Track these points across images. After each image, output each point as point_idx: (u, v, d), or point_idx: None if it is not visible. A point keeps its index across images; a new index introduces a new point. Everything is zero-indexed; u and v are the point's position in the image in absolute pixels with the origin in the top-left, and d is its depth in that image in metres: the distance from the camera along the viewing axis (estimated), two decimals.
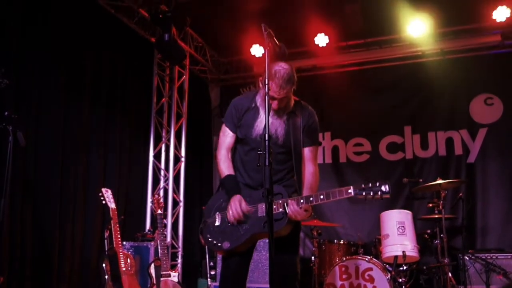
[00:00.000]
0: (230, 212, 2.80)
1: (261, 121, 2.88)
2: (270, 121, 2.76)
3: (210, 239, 2.90)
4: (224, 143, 3.04)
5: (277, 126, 2.89)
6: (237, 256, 2.88)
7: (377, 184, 2.59)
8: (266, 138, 2.38)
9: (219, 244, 2.84)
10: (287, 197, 2.75)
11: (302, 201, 2.70)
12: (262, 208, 2.76)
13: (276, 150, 2.83)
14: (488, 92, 6.70)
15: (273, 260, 2.30)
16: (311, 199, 2.69)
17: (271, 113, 2.83)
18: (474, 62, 6.74)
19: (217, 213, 2.94)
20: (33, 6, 4.76)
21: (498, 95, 6.65)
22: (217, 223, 2.91)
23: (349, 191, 2.62)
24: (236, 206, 2.79)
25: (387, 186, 2.57)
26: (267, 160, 2.35)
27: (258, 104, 2.96)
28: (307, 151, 3.00)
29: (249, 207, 2.82)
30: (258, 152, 2.41)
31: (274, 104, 2.84)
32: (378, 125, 7.13)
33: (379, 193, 2.57)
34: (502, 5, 6.12)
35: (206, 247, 5.19)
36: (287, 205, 2.69)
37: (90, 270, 5.22)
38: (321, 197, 2.67)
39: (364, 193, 2.59)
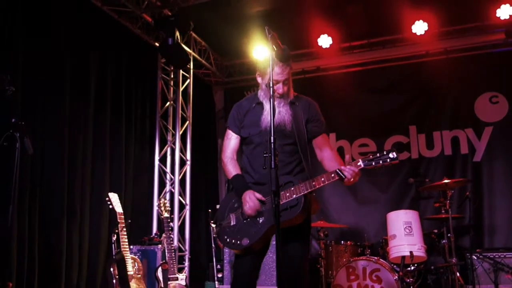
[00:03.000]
0: (247, 205, 2.82)
1: (268, 111, 2.91)
2: (277, 110, 2.84)
3: (228, 240, 2.91)
4: (228, 145, 3.08)
5: (284, 113, 2.93)
6: (251, 255, 2.89)
7: (384, 152, 2.69)
8: (272, 141, 2.39)
9: (238, 242, 2.85)
10: (298, 184, 2.76)
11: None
12: None
13: (283, 141, 2.87)
14: (493, 91, 6.68)
15: (280, 258, 2.31)
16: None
17: (276, 102, 2.87)
18: (479, 60, 6.73)
19: (231, 213, 2.96)
20: (37, 14, 4.78)
21: (503, 93, 6.63)
22: (232, 223, 2.93)
23: (359, 163, 2.70)
24: (251, 197, 2.82)
25: (394, 153, 2.66)
26: (273, 162, 2.36)
27: (261, 99, 3.01)
28: (320, 139, 3.03)
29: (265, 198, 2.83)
30: (264, 155, 2.43)
31: (279, 88, 2.89)
32: (383, 125, 7.12)
33: (388, 160, 2.67)
34: (505, 3, 6.10)
35: (214, 249, 5.21)
36: (341, 171, 2.68)
37: (97, 274, 5.24)
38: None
39: (373, 163, 2.69)
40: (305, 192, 2.73)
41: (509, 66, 6.58)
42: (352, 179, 2.70)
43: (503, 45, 6.60)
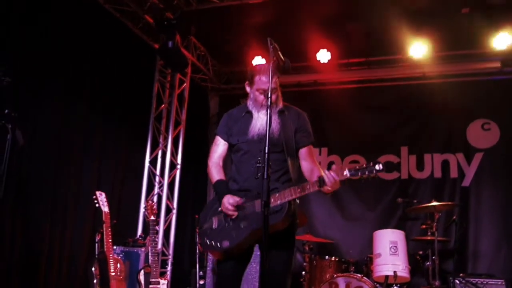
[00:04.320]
0: (224, 208, 2.84)
1: (257, 119, 2.96)
2: (265, 119, 2.82)
3: (208, 242, 2.90)
4: (216, 151, 3.11)
5: (272, 122, 2.91)
6: (233, 260, 2.88)
7: (371, 164, 2.71)
8: (266, 151, 2.39)
9: (218, 245, 2.84)
10: (283, 190, 2.77)
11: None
12: (259, 204, 2.74)
13: (271, 149, 2.86)
14: (486, 117, 6.74)
15: (265, 270, 2.29)
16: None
17: (264, 111, 2.88)
18: (473, 86, 6.79)
19: (213, 217, 2.96)
20: (34, 6, 4.73)
21: (495, 120, 6.69)
22: (214, 226, 2.93)
23: (345, 173, 2.70)
24: (230, 201, 2.83)
25: (380, 165, 2.68)
26: (265, 173, 2.36)
27: (250, 108, 3.04)
28: (306, 150, 3.05)
29: (242, 200, 2.84)
30: (258, 165, 2.44)
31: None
32: (375, 143, 7.13)
33: (374, 171, 2.68)
34: (503, 32, 6.19)
35: (197, 256, 5.18)
36: (323, 181, 2.68)
37: (78, 273, 5.17)
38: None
39: (359, 173, 2.70)
40: (290, 198, 2.74)
41: (503, 94, 6.65)
42: (330, 187, 2.70)
43: (498, 73, 6.68)
